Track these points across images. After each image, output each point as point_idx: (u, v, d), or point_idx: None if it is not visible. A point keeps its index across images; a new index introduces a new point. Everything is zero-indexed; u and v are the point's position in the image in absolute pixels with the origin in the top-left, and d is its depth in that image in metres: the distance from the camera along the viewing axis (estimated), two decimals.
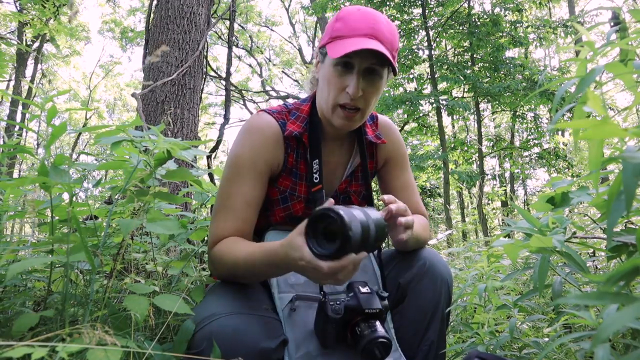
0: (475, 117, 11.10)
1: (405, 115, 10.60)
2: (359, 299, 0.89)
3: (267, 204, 1.10)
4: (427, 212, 1.23)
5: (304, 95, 1.29)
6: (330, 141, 1.12)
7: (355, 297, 0.90)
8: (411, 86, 10.78)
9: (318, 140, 1.07)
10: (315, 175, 1.05)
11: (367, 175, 1.15)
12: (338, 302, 0.89)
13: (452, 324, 1.49)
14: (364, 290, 0.92)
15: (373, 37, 0.94)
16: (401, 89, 10.60)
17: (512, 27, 9.94)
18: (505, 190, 9.93)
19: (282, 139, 1.06)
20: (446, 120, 11.42)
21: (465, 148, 11.61)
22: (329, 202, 0.84)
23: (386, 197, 0.94)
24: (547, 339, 1.06)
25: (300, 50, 16.84)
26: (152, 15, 3.85)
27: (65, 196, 0.88)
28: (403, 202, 1.16)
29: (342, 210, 0.73)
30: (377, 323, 0.89)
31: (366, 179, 1.15)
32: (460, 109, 9.40)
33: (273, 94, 15.55)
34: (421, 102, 9.55)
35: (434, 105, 9.39)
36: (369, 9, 0.99)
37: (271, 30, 17.14)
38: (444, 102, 9.40)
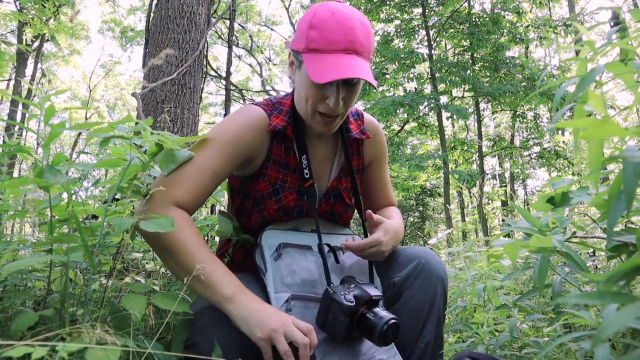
0: (475, 117, 11.10)
1: (405, 115, 10.61)
2: (363, 288, 0.92)
3: (260, 199, 1.09)
4: (395, 200, 1.33)
5: None
6: (314, 138, 1.13)
7: (358, 287, 0.93)
8: (411, 85, 10.79)
9: (302, 135, 1.08)
10: (306, 171, 1.06)
11: (352, 172, 1.15)
12: (347, 292, 0.91)
13: (452, 323, 1.49)
14: (361, 281, 0.96)
15: (351, 51, 0.93)
16: (401, 89, 10.60)
17: (512, 26, 9.95)
18: (505, 189, 9.93)
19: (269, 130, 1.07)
20: (446, 120, 11.42)
21: (465, 148, 11.62)
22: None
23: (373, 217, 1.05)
24: (547, 339, 1.06)
25: None
26: (152, 14, 3.85)
27: (65, 196, 0.88)
28: (380, 197, 1.28)
29: None
30: (382, 308, 0.92)
31: (351, 175, 1.16)
32: (460, 117, 9.43)
33: (273, 93, 15.55)
34: (421, 103, 9.56)
35: (434, 109, 9.40)
36: (343, 11, 0.94)
37: (271, 29, 17.15)
38: (444, 103, 9.42)
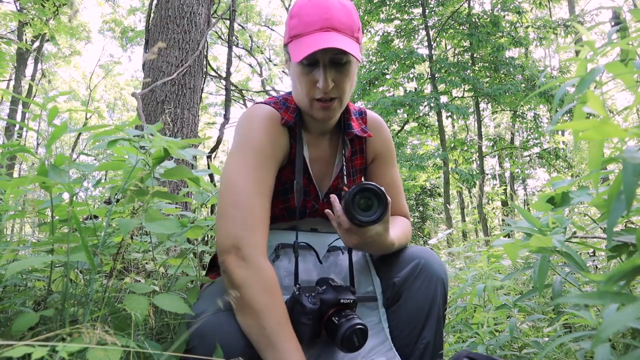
0: (475, 117, 11.10)
1: (406, 115, 10.61)
2: (333, 291, 0.91)
3: None
4: (409, 213, 1.24)
5: None
6: (317, 136, 1.13)
7: (329, 289, 0.91)
8: (411, 85, 10.79)
9: (306, 131, 1.09)
10: (297, 168, 1.06)
11: (354, 173, 1.15)
12: (313, 294, 0.89)
13: (452, 324, 1.49)
14: (335, 284, 0.94)
15: (328, 28, 0.93)
16: (401, 89, 10.60)
17: (512, 27, 9.96)
18: (505, 189, 9.93)
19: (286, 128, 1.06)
20: (446, 120, 11.42)
21: (465, 148, 11.62)
22: (333, 198, 0.96)
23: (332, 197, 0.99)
24: (547, 339, 1.06)
25: None
26: (152, 15, 3.85)
27: (66, 196, 0.88)
28: None
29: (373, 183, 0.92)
30: (352, 312, 0.89)
31: (353, 175, 1.15)
32: (460, 115, 9.44)
33: (273, 93, 15.55)
34: (421, 103, 9.56)
35: (434, 108, 9.41)
36: None
37: (271, 29, 17.14)
38: (444, 102, 9.42)
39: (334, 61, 0.96)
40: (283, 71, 17.66)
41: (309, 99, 1.00)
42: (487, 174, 11.85)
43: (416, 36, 10.74)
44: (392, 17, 10.61)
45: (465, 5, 10.56)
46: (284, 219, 1.09)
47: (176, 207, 1.24)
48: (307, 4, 0.96)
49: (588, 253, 1.46)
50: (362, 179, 1.23)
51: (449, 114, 10.00)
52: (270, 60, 17.60)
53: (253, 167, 0.95)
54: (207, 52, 4.05)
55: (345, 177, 1.15)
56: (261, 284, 0.85)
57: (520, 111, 10.78)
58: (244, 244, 0.87)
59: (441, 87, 10.13)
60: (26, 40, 10.43)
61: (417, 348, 1.01)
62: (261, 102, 1.09)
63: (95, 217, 1.07)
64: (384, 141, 1.21)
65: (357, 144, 1.17)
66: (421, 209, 12.22)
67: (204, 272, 1.24)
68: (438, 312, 1.03)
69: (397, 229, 1.08)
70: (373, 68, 10.21)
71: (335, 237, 1.10)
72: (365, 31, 11.03)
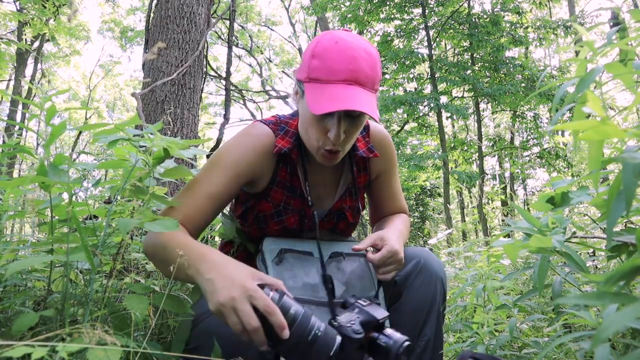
0: (475, 117, 11.10)
1: (405, 115, 10.61)
2: (368, 312, 0.87)
3: (262, 219, 1.09)
4: (407, 207, 1.29)
5: None
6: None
7: (363, 311, 0.87)
8: (411, 86, 10.79)
9: (305, 159, 1.06)
10: (309, 198, 1.05)
11: (357, 192, 1.14)
12: (352, 322, 0.85)
13: (451, 323, 1.49)
14: (364, 303, 0.89)
15: (353, 81, 0.89)
16: (401, 89, 10.60)
17: (512, 27, 9.96)
18: (505, 188, 9.93)
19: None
20: (446, 120, 11.43)
21: (465, 148, 11.62)
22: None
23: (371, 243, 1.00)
24: (547, 339, 1.06)
25: (300, 50, 16.80)
26: (152, 14, 3.85)
27: (65, 196, 0.88)
28: (389, 208, 1.24)
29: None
30: (390, 329, 0.86)
31: (356, 194, 1.15)
32: (460, 116, 9.45)
33: (273, 93, 15.57)
34: (421, 102, 9.57)
35: (434, 108, 9.41)
36: (347, 40, 0.91)
37: (271, 30, 17.16)
38: (444, 102, 9.42)
39: (349, 114, 0.93)
40: (282, 71, 17.67)
41: (317, 146, 0.98)
42: (487, 174, 11.84)
43: (416, 36, 10.73)
44: (392, 17, 10.60)
45: (465, 5, 10.55)
46: (280, 236, 1.10)
47: None
48: (333, 47, 0.90)
49: (588, 253, 1.46)
50: (365, 195, 1.24)
51: (449, 114, 10.01)
52: (271, 61, 17.62)
53: (207, 169, 1.01)
54: (207, 52, 4.05)
55: (347, 197, 1.15)
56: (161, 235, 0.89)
57: (520, 111, 10.78)
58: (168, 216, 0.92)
59: (441, 86, 10.13)
60: (26, 40, 10.43)
61: (418, 345, 1.03)
62: (262, 122, 1.07)
63: (95, 217, 1.07)
64: (388, 158, 1.18)
65: (361, 162, 1.16)
66: (421, 209, 12.22)
67: None
68: (438, 310, 1.05)
69: (403, 229, 1.13)
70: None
71: (338, 245, 1.11)
72: (365, 31, 11.04)
